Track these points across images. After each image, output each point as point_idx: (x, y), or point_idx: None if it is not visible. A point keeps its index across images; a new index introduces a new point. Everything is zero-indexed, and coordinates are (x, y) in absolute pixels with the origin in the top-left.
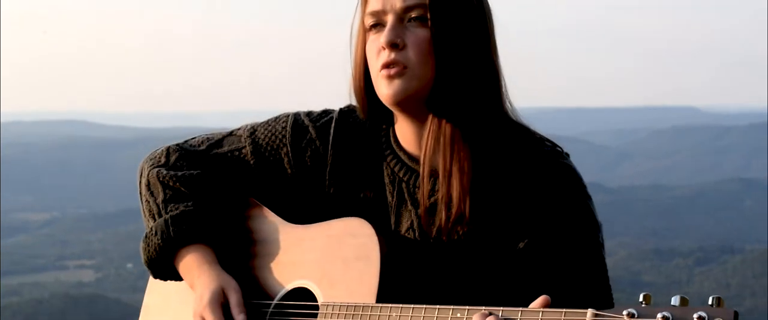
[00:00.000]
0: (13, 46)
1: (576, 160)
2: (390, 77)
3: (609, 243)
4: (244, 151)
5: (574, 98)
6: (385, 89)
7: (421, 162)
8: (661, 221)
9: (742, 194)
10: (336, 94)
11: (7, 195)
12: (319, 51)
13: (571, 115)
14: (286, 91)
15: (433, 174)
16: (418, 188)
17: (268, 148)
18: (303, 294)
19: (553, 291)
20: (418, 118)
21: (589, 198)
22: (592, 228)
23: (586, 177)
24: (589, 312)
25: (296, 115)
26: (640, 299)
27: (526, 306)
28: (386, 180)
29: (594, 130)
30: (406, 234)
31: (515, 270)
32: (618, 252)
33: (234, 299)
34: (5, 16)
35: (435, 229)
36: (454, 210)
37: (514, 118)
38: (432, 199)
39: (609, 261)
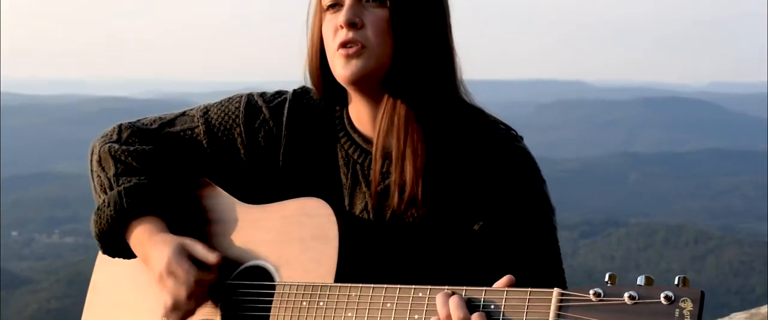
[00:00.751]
0: None
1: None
2: (348, 57)
3: None
4: (196, 130)
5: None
6: (341, 69)
7: (375, 143)
8: None
9: (626, 168)
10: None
11: None
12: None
13: None
14: (174, 60)
15: (386, 156)
16: (372, 169)
17: (221, 129)
18: (258, 274)
19: (508, 272)
20: (373, 98)
21: (543, 181)
22: (546, 210)
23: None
24: (556, 291)
25: (249, 96)
26: (606, 279)
27: (484, 286)
28: (340, 162)
29: (480, 103)
30: (361, 216)
31: (471, 252)
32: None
33: (199, 247)
34: None
35: (389, 211)
36: (406, 193)
37: (468, 101)
38: (386, 182)
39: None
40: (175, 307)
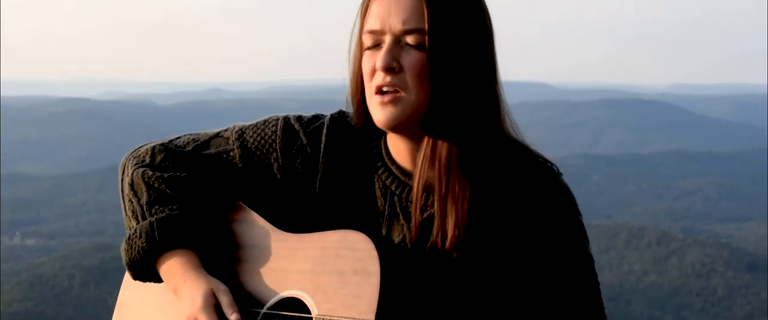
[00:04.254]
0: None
1: None
2: (383, 104)
3: None
4: (232, 153)
5: None
6: (378, 115)
7: (416, 179)
8: None
9: (588, 169)
10: None
11: None
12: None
13: None
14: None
15: (427, 189)
16: (412, 203)
17: (257, 152)
18: (294, 305)
19: (551, 310)
20: (412, 137)
21: (580, 216)
22: (586, 249)
23: None
24: None
25: (286, 119)
26: None
27: None
28: (378, 192)
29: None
30: (399, 247)
31: (512, 289)
32: None
33: (225, 299)
34: None
35: (428, 246)
36: (449, 234)
37: (513, 134)
38: (424, 215)
39: None
40: None
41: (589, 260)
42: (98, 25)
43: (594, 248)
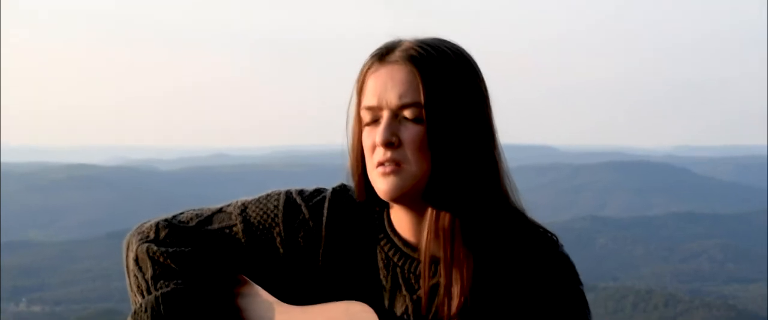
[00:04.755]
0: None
1: None
2: (385, 174)
3: None
4: (234, 228)
5: None
6: (380, 185)
7: (422, 252)
8: None
9: (594, 232)
10: None
11: None
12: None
13: None
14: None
15: (432, 260)
16: (414, 274)
17: (260, 227)
18: None
19: None
20: (414, 208)
21: (582, 285)
22: (586, 313)
23: None
24: None
25: (288, 193)
26: None
27: None
28: (380, 264)
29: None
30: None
31: None
32: None
33: None
34: None
35: (431, 316)
36: (454, 303)
37: (513, 201)
38: (431, 283)
39: None
40: None
41: None
42: (101, 92)
43: (602, 310)
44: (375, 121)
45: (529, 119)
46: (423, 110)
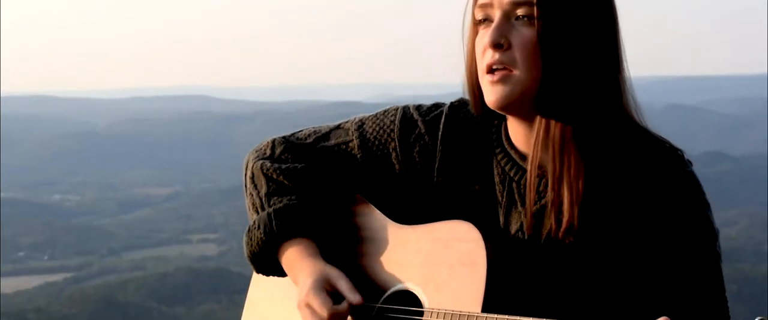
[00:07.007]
0: (134, 24)
1: (698, 129)
2: (493, 83)
3: (731, 212)
4: (351, 144)
5: (695, 66)
6: (488, 95)
7: (529, 163)
8: None
9: None
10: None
11: (128, 170)
12: (438, 22)
13: (693, 84)
14: (403, 65)
15: (542, 175)
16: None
17: (376, 143)
18: (407, 298)
19: (669, 304)
20: (526, 117)
21: (709, 207)
22: (712, 240)
23: (709, 146)
24: None
25: (405, 109)
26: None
27: (641, 319)
28: (496, 178)
29: (717, 99)
30: (516, 236)
31: (629, 281)
32: (740, 221)
33: (344, 284)
34: None
35: (544, 233)
36: (564, 218)
37: (637, 118)
38: (541, 202)
39: (731, 230)
40: None
41: (716, 257)
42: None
43: None
44: (487, 21)
45: None
46: (535, 8)
